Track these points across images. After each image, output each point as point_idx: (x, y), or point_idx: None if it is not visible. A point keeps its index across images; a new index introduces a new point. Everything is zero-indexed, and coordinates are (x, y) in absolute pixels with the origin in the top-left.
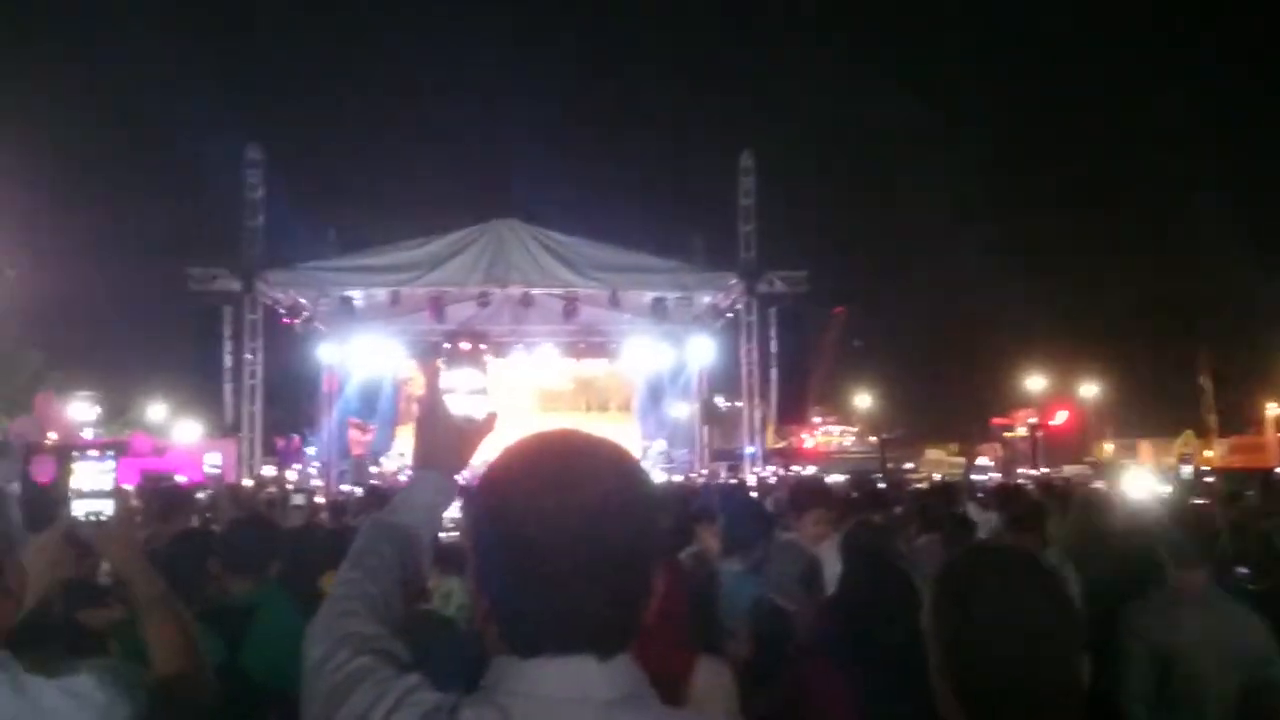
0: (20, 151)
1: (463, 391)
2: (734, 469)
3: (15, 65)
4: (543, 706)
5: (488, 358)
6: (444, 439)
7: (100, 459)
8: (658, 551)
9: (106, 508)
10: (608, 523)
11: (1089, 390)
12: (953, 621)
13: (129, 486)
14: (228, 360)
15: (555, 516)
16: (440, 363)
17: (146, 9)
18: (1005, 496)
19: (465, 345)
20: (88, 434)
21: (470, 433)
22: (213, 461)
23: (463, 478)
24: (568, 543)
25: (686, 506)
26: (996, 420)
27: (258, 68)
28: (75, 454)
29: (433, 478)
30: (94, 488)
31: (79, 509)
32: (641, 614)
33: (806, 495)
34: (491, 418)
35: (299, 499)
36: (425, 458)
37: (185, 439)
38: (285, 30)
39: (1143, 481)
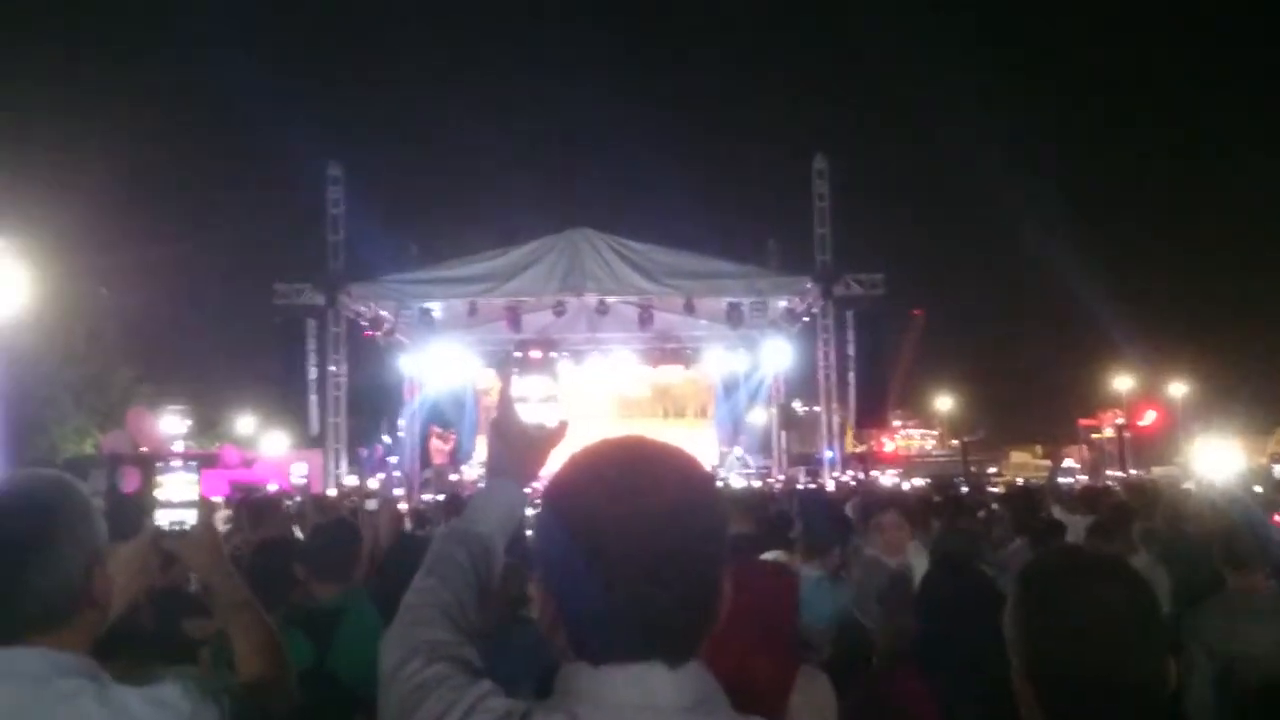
0: (111, 174)
1: (535, 400)
2: (812, 474)
3: (103, 93)
4: (613, 714)
5: (564, 366)
6: (515, 447)
7: (184, 469)
8: (726, 556)
9: (190, 517)
10: (675, 528)
11: (1178, 389)
12: (1033, 624)
13: (218, 498)
14: (312, 372)
15: (622, 523)
16: (512, 371)
17: (231, 33)
18: (1091, 499)
19: (536, 353)
20: (178, 447)
21: (542, 440)
22: (299, 472)
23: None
24: (635, 549)
25: (767, 511)
26: (1083, 421)
27: (338, 87)
28: (160, 464)
29: (505, 485)
30: (179, 498)
31: (163, 519)
32: (711, 620)
33: (873, 506)
34: (563, 426)
35: (372, 504)
36: (497, 466)
37: (273, 450)
38: (364, 50)
39: (1228, 464)
